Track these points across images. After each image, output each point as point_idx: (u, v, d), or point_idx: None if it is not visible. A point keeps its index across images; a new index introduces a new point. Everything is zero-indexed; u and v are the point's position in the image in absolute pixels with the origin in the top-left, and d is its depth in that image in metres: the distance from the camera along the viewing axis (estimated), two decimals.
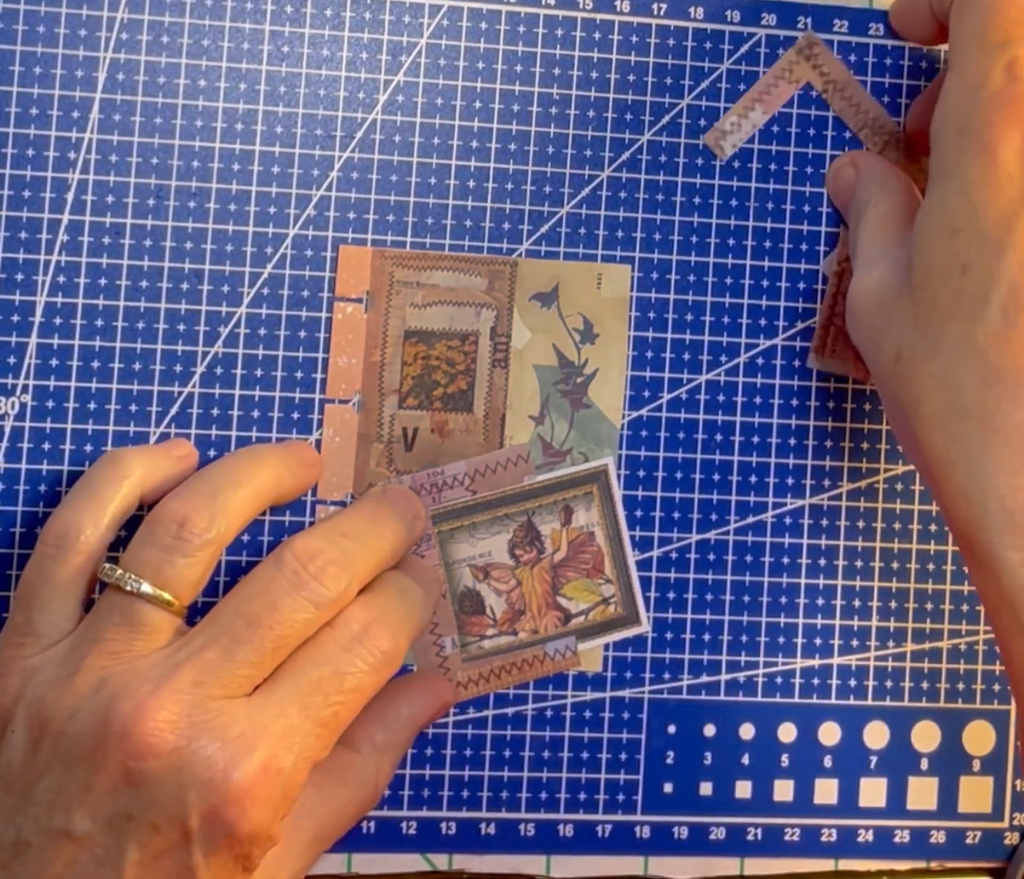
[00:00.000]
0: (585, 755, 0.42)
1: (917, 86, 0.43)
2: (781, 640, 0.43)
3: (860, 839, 0.43)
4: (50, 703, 0.33)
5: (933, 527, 0.43)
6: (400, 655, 0.36)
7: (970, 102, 0.36)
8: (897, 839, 0.43)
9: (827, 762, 0.43)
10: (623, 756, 0.42)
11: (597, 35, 0.42)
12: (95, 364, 0.40)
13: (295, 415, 0.41)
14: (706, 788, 0.43)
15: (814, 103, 0.43)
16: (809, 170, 0.43)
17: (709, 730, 0.43)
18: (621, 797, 0.42)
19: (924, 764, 0.43)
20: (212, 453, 0.40)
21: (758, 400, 0.42)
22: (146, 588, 0.34)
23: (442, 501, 0.41)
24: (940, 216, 0.35)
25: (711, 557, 0.42)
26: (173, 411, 0.40)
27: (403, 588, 0.38)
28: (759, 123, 0.42)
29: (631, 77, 0.42)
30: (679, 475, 0.42)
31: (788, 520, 0.43)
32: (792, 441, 0.43)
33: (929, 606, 0.43)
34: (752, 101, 0.42)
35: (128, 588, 0.34)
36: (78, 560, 0.35)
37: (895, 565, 0.43)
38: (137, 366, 0.40)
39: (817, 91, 0.42)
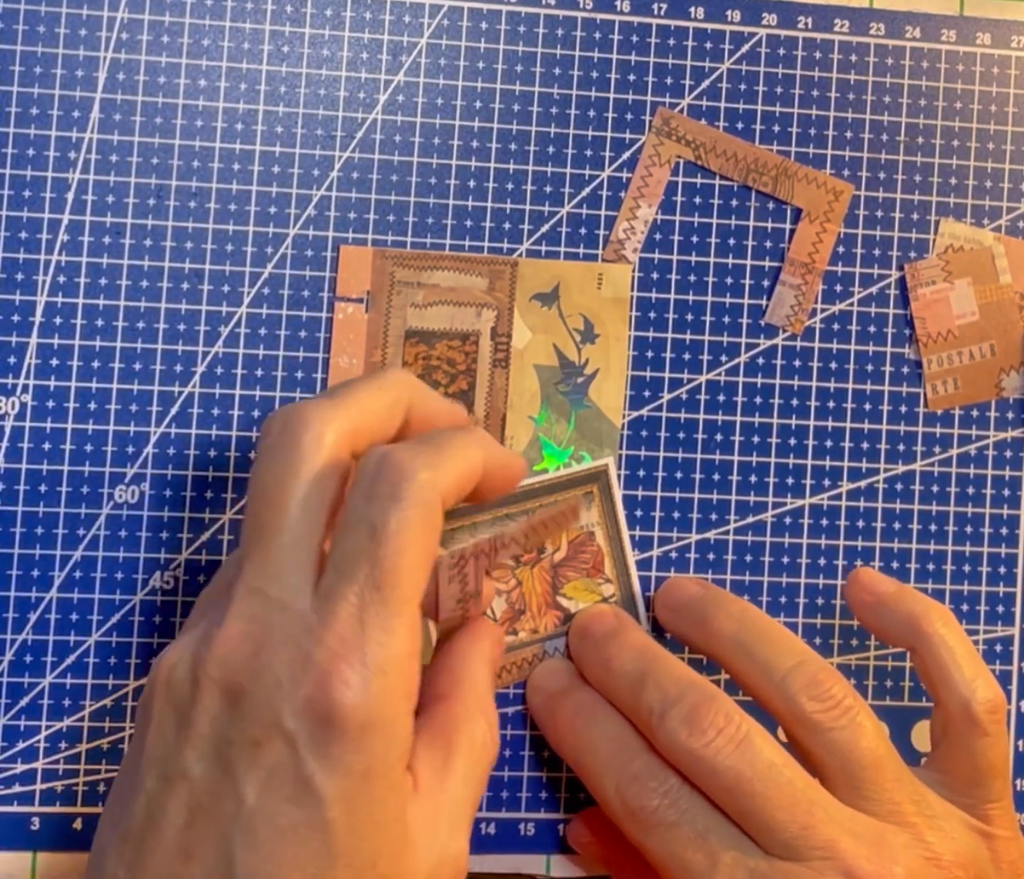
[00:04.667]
0: None
1: (918, 86, 0.43)
2: None
3: None
4: (163, 668, 0.33)
5: (933, 527, 0.43)
6: (437, 480, 0.33)
7: None
8: None
9: None
10: None
11: (597, 35, 0.42)
12: (95, 364, 0.40)
13: None
14: None
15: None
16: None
17: None
18: None
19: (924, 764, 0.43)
20: (212, 453, 0.40)
21: (758, 400, 0.42)
22: None
23: None
24: None
25: (711, 557, 0.42)
26: (173, 411, 0.40)
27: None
28: (650, 218, 0.41)
29: (631, 77, 0.42)
30: (679, 475, 0.42)
31: (788, 520, 0.43)
32: (792, 441, 0.43)
33: None
34: (635, 201, 0.41)
35: None
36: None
37: (895, 565, 0.43)
38: (137, 366, 0.40)
39: (691, 160, 0.42)
